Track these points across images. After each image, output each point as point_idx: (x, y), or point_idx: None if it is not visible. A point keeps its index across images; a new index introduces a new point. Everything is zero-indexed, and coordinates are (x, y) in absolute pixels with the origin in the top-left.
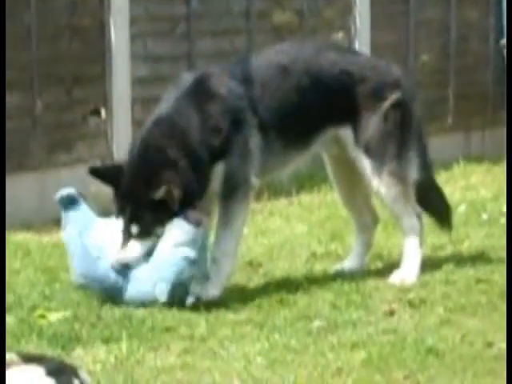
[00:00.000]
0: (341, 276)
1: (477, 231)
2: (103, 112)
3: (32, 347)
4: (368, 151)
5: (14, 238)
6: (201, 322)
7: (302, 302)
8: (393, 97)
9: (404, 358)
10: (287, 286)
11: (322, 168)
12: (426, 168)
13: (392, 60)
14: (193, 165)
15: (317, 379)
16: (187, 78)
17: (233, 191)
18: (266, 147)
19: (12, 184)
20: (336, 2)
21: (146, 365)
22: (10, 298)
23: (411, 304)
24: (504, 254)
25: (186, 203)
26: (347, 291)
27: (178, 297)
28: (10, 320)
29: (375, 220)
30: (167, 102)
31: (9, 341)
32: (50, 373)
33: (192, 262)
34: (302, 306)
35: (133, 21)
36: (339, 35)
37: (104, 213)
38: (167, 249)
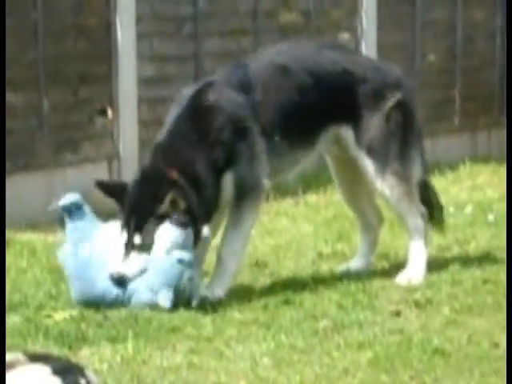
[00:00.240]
0: (347, 276)
1: (483, 232)
2: (110, 112)
3: (38, 346)
4: (370, 152)
5: (20, 237)
6: (207, 321)
7: (308, 302)
8: (394, 97)
9: (410, 358)
10: (293, 286)
11: (327, 168)
12: (425, 167)
13: (398, 61)
14: (198, 188)
15: (323, 379)
16: (186, 94)
17: (244, 194)
18: (273, 150)
19: (18, 184)
20: (342, 3)
21: (152, 364)
22: (16, 297)
23: (417, 304)
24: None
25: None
26: (353, 291)
27: (181, 301)
28: (16, 319)
29: (380, 220)
30: (169, 122)
31: (15, 340)
32: (57, 372)
33: (188, 264)
34: (309, 306)
35: (139, 20)
36: (345, 36)
37: (109, 214)
38: (161, 256)
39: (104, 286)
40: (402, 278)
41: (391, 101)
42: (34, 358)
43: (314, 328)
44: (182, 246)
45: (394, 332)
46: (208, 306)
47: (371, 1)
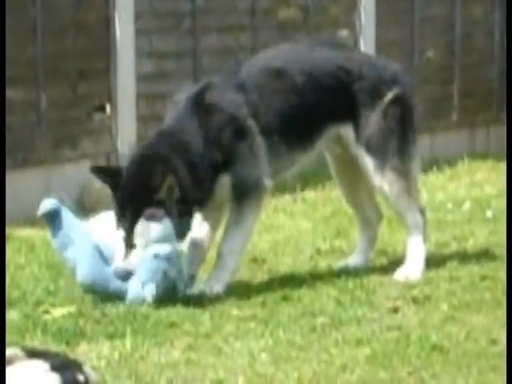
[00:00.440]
0: (345, 272)
1: (481, 228)
2: (108, 108)
3: (36, 343)
4: (369, 148)
5: (18, 233)
6: (205, 318)
7: (306, 299)
8: (391, 93)
9: (408, 354)
10: (291, 282)
11: (326, 165)
12: None
13: (397, 57)
14: (192, 176)
15: (321, 376)
16: (187, 93)
17: (246, 194)
18: (272, 150)
19: (17, 179)
20: None
21: (150, 361)
22: (14, 293)
23: (415, 301)
24: None
25: (188, 211)
26: (351, 288)
27: (164, 294)
28: (14, 315)
29: (379, 216)
30: (169, 120)
31: (13, 336)
32: (55, 368)
33: (165, 258)
34: (307, 303)
35: (138, 17)
36: (344, 32)
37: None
38: (138, 252)
39: (111, 274)
40: (400, 275)
41: (389, 97)
42: (32, 354)
43: (312, 324)
44: (157, 240)
45: (392, 328)
46: (206, 302)
47: None
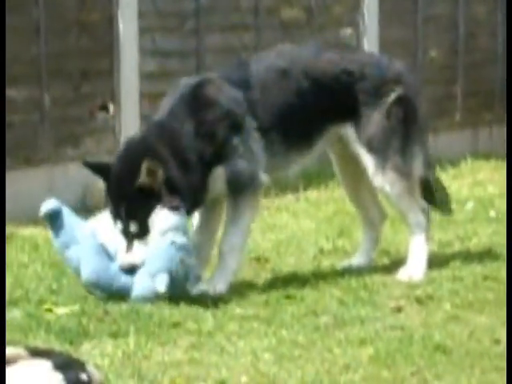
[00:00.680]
0: (348, 272)
1: (484, 228)
2: (111, 107)
3: (39, 341)
4: (371, 148)
5: (21, 232)
6: (208, 317)
7: (309, 298)
8: (394, 92)
9: (411, 354)
10: (294, 281)
11: (329, 164)
12: (428, 160)
13: (400, 56)
14: (180, 164)
15: (324, 375)
16: (185, 84)
17: (241, 189)
18: (269, 148)
19: (20, 178)
20: None
21: (153, 360)
22: (17, 292)
23: (418, 300)
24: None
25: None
26: (355, 287)
27: (178, 285)
28: (17, 314)
29: (382, 216)
30: (163, 108)
31: (16, 335)
32: (58, 367)
33: (180, 247)
34: (310, 302)
35: (141, 16)
36: (347, 31)
37: None
38: (154, 239)
39: (115, 271)
40: (402, 275)
41: (392, 97)
42: (36, 352)
43: (315, 324)
44: (174, 229)
45: (395, 328)
46: (209, 301)
47: None
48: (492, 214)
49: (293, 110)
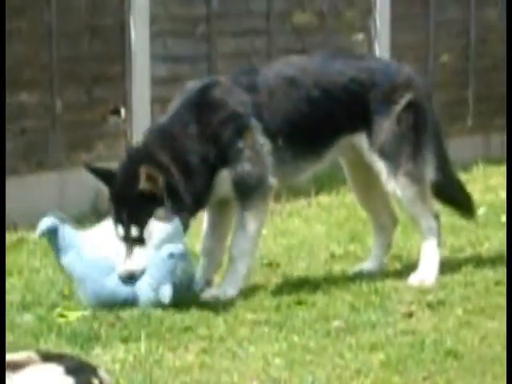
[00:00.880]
0: (359, 277)
1: (496, 233)
2: (123, 112)
3: (51, 346)
4: (383, 154)
5: (33, 237)
6: (219, 322)
7: (320, 303)
8: (404, 98)
9: (423, 359)
10: (306, 286)
11: (340, 169)
12: (445, 165)
13: (412, 61)
14: (182, 169)
15: (335, 380)
16: (192, 87)
17: (249, 193)
18: (277, 155)
19: (31, 183)
20: (356, 3)
21: (164, 364)
22: (29, 296)
23: (430, 306)
24: None
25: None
26: (366, 292)
27: (183, 292)
28: (29, 318)
29: (394, 222)
30: (170, 110)
31: (28, 339)
32: (69, 371)
33: (180, 257)
34: (321, 307)
35: (153, 21)
36: (359, 36)
37: None
38: (150, 252)
39: (113, 286)
40: (414, 280)
41: (402, 102)
42: (47, 357)
43: (326, 329)
44: (170, 240)
45: (407, 333)
46: (220, 306)
47: (385, 1)
48: (504, 219)
49: (301, 119)
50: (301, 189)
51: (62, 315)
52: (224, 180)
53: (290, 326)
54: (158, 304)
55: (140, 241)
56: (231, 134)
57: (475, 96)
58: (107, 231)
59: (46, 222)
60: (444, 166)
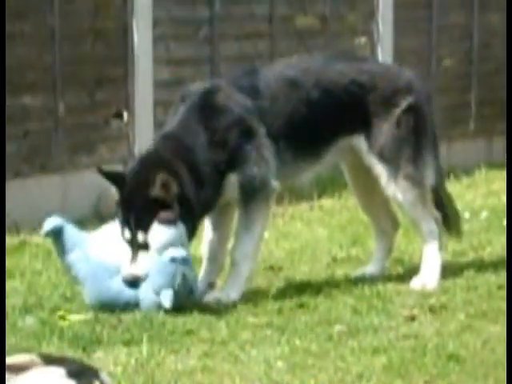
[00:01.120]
0: (362, 281)
1: (498, 237)
2: (125, 115)
3: (53, 349)
4: (382, 157)
5: (35, 239)
6: (221, 325)
7: (322, 307)
8: (404, 102)
9: (425, 363)
10: (308, 290)
11: (342, 173)
12: (439, 172)
13: (414, 65)
14: (194, 177)
15: None
16: (195, 93)
17: (252, 196)
18: (278, 156)
19: (34, 185)
20: (359, 7)
21: (166, 368)
22: (31, 299)
23: (432, 309)
24: None
25: (188, 212)
26: (368, 296)
27: (184, 297)
28: (31, 321)
29: (395, 225)
30: (175, 117)
31: (30, 342)
32: (71, 374)
33: (181, 261)
34: (323, 311)
35: (156, 24)
36: (362, 40)
37: None
38: (152, 256)
39: (118, 288)
40: (416, 283)
41: (402, 106)
42: (49, 360)
43: (328, 332)
44: (173, 244)
45: (409, 337)
46: (222, 309)
47: (388, 5)
48: (506, 223)
49: (301, 120)
50: (303, 192)
51: (64, 318)
52: (232, 184)
53: (292, 329)
54: (160, 308)
55: (146, 246)
56: (238, 139)
57: (478, 100)
58: (111, 234)
59: (51, 222)
60: (438, 175)
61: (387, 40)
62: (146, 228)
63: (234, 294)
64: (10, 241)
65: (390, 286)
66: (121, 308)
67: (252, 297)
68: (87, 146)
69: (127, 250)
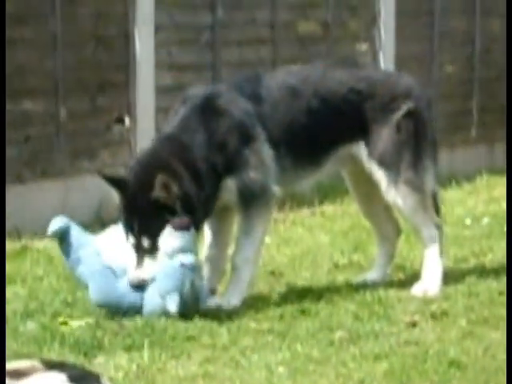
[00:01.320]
0: (363, 287)
1: (500, 244)
2: (127, 120)
3: (54, 354)
4: (382, 163)
5: (36, 245)
6: (223, 331)
7: (324, 313)
8: (403, 108)
9: (426, 369)
10: (309, 296)
11: (344, 179)
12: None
13: (416, 71)
14: (194, 178)
15: None
16: (195, 96)
17: (253, 201)
18: (278, 163)
19: (35, 190)
20: (361, 13)
21: (167, 373)
22: (32, 304)
23: (433, 316)
24: None
25: (190, 213)
26: (369, 302)
27: (190, 304)
28: (32, 327)
29: (397, 231)
30: (174, 120)
31: (31, 347)
32: (73, 380)
33: (191, 268)
34: (324, 317)
35: (158, 29)
36: (364, 46)
37: None
38: (163, 260)
39: (123, 290)
40: (417, 290)
41: (401, 111)
42: (50, 365)
43: (329, 338)
44: (184, 250)
45: (410, 343)
46: (223, 315)
47: (389, 11)
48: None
49: (301, 128)
50: (304, 198)
51: (65, 323)
52: (229, 188)
53: (294, 335)
54: (164, 312)
55: (150, 249)
56: (236, 143)
57: (479, 106)
58: (115, 237)
59: (57, 222)
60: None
61: (389, 46)
62: (149, 231)
63: (234, 299)
64: (11, 246)
65: (392, 292)
66: (124, 310)
67: (253, 302)
68: (89, 151)
69: (132, 253)
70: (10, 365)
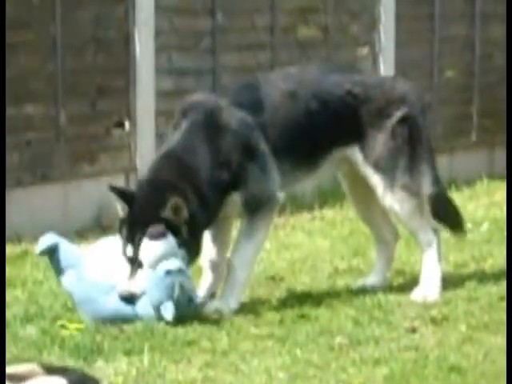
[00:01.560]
0: (363, 292)
1: (500, 249)
2: (127, 124)
3: (54, 358)
4: (379, 168)
5: (37, 249)
6: (222, 335)
7: (323, 318)
8: (399, 113)
9: (426, 375)
10: (309, 301)
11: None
12: (437, 181)
13: (416, 76)
14: (201, 201)
15: None
16: (195, 107)
17: (258, 208)
18: (278, 167)
19: (35, 195)
20: (361, 18)
21: (167, 378)
22: (32, 308)
23: (433, 321)
24: None
25: (193, 230)
26: (369, 307)
27: (184, 306)
28: (32, 331)
29: (395, 236)
30: (177, 132)
31: (31, 352)
32: None
33: (177, 273)
34: (324, 322)
35: (158, 34)
36: (363, 51)
37: None
38: (147, 272)
39: (115, 306)
40: (417, 295)
41: (396, 117)
42: (50, 369)
43: (329, 343)
44: (165, 257)
45: (410, 348)
46: (223, 319)
47: (389, 16)
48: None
49: (299, 132)
50: (304, 203)
51: (65, 327)
52: (234, 202)
53: (293, 340)
54: (160, 320)
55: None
56: (241, 160)
57: (480, 111)
58: (108, 249)
59: (46, 241)
60: (436, 182)
61: (389, 51)
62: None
63: (232, 302)
64: (12, 250)
65: (392, 297)
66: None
67: (253, 307)
68: (88, 155)
69: (125, 266)
70: (10, 369)
